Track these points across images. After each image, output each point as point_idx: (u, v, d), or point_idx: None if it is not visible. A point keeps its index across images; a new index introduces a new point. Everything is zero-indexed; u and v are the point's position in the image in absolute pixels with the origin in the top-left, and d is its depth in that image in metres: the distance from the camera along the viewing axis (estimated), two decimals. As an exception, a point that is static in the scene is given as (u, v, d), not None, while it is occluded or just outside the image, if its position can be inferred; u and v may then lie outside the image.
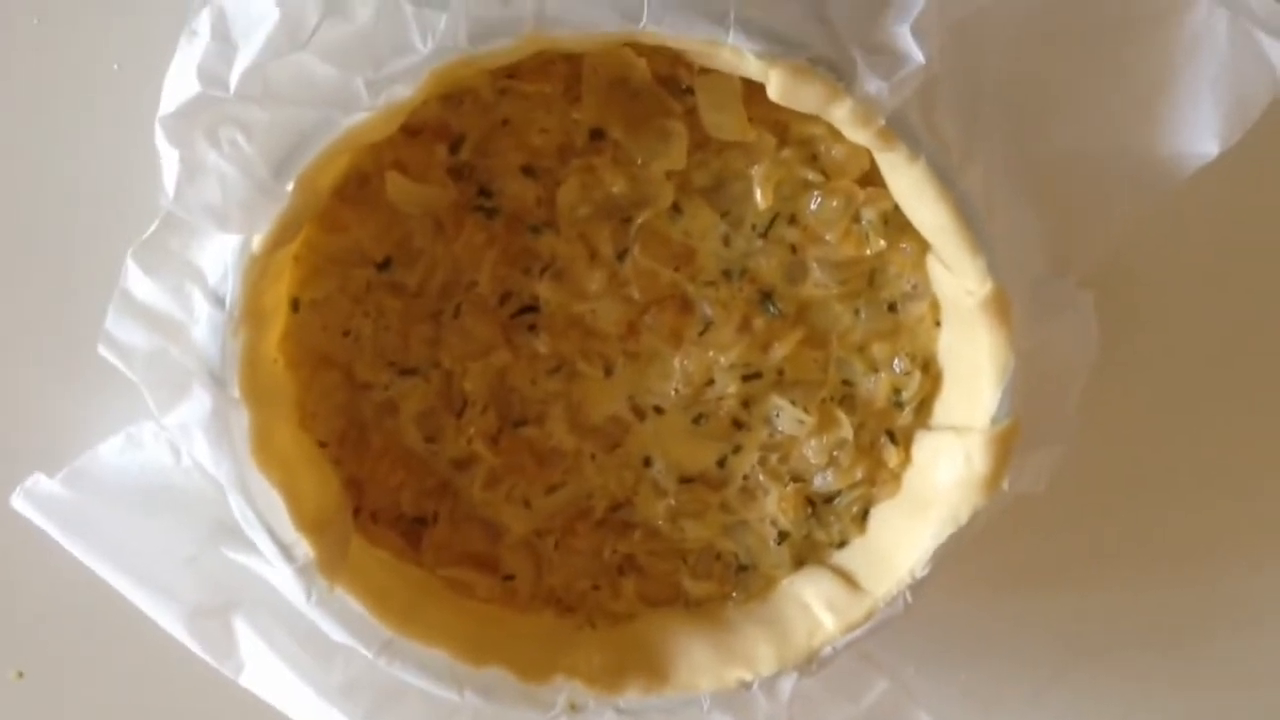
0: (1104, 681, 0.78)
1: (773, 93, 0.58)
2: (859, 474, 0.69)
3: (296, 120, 0.57)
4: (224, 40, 0.55)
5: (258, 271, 0.59)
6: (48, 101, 0.68)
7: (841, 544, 0.70)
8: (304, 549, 0.63)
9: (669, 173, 0.64)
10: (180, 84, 0.57)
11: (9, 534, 0.69)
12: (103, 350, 0.61)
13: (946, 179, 0.58)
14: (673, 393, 0.68)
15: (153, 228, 0.60)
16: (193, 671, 0.68)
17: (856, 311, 0.67)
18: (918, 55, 0.56)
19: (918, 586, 0.66)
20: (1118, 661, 0.78)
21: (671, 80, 0.63)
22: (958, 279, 0.62)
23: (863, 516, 0.70)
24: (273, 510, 0.63)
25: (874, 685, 0.71)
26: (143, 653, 0.72)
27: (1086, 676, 0.78)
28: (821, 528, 0.70)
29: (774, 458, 0.69)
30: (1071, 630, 0.78)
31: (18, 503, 0.67)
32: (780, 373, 0.68)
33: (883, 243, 0.65)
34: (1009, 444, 0.63)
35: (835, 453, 0.69)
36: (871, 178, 0.64)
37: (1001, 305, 0.60)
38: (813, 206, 0.65)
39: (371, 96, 0.56)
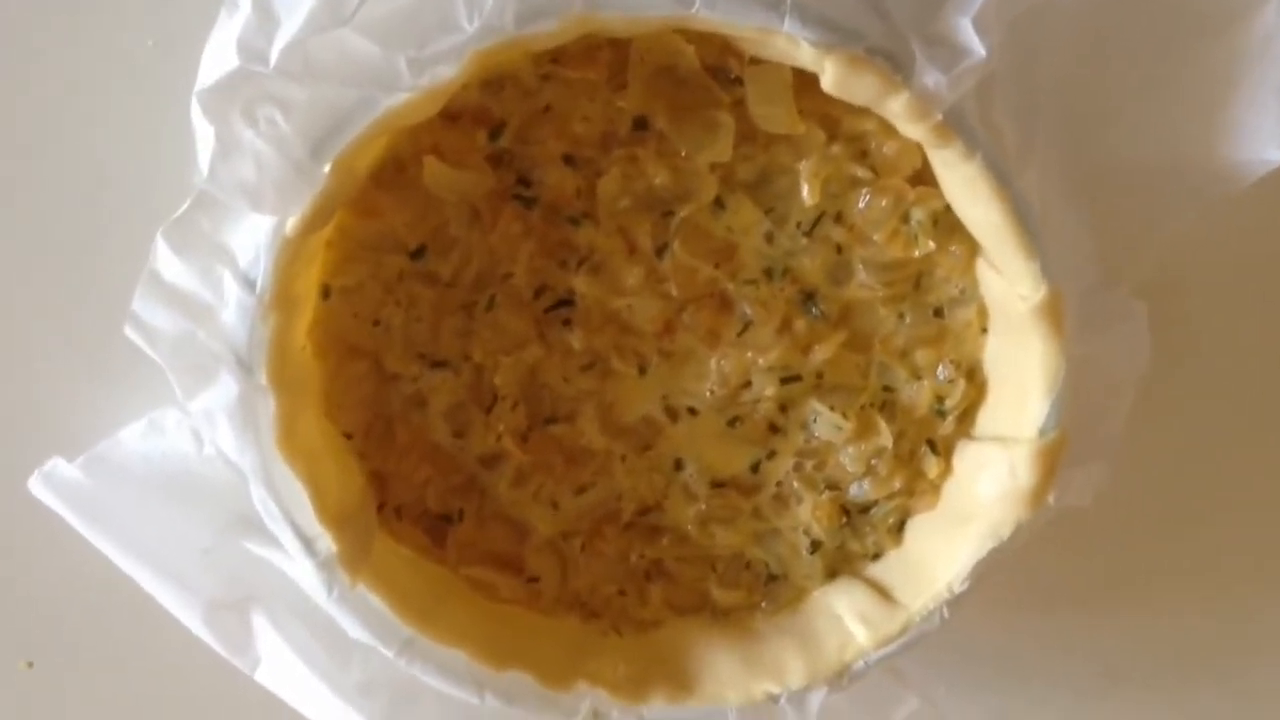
0: (1143, 708, 0.76)
1: (827, 83, 0.56)
2: (897, 484, 0.67)
3: (336, 100, 0.55)
4: (266, 14, 0.54)
5: (290, 255, 0.58)
6: (81, 78, 0.67)
7: (876, 556, 0.68)
8: (326, 543, 0.61)
9: (713, 165, 0.63)
10: (219, 58, 0.55)
11: (24, 519, 0.68)
12: (129, 332, 0.60)
13: (1002, 177, 0.57)
14: (708, 394, 0.66)
15: (184, 206, 0.59)
16: (207, 665, 0.66)
17: (901, 315, 0.65)
18: (979, 49, 0.54)
19: (955, 602, 0.64)
20: (1156, 690, 0.76)
21: (720, 69, 0.61)
22: (1009, 283, 0.60)
23: (899, 528, 0.68)
24: (296, 502, 0.61)
25: (904, 703, 0.69)
26: (156, 645, 0.71)
27: (1124, 703, 0.76)
28: (856, 538, 0.68)
29: (809, 464, 0.67)
30: (1110, 655, 0.75)
31: (35, 487, 0.66)
32: (820, 376, 0.66)
33: (931, 245, 0.63)
34: (1056, 457, 0.61)
35: (873, 461, 0.67)
36: (922, 177, 0.62)
37: (1055, 310, 0.59)
38: (860, 205, 0.63)
39: (413, 76, 0.55)
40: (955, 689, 0.74)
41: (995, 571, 0.63)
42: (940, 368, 0.66)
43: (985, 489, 0.64)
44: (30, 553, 0.72)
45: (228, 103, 0.55)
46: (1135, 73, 0.60)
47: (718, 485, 0.68)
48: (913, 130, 0.57)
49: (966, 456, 0.66)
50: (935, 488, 0.67)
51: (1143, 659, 0.75)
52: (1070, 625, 0.75)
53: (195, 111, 0.56)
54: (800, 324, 0.65)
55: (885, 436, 0.66)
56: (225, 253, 0.59)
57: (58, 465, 0.66)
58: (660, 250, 0.64)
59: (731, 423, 0.67)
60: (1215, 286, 0.71)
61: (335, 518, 0.61)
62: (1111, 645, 0.75)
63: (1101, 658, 0.75)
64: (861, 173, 0.62)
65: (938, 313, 0.65)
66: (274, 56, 0.54)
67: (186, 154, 0.58)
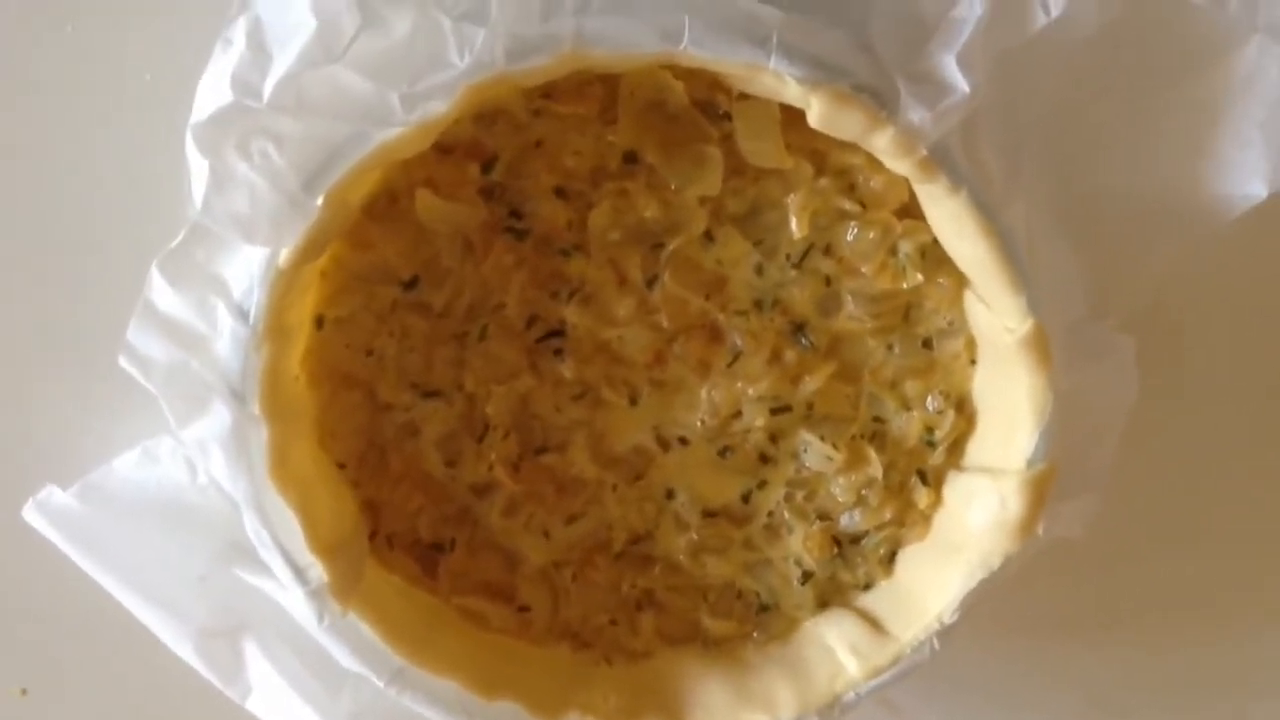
0: (1133, 740, 0.76)
1: (813, 119, 0.57)
2: (887, 514, 0.67)
3: (329, 133, 0.56)
4: (259, 49, 0.55)
5: (283, 286, 0.59)
6: (78, 109, 0.68)
7: (867, 586, 0.68)
8: (318, 572, 0.61)
9: (703, 199, 0.63)
10: (213, 92, 0.56)
11: (18, 547, 0.68)
12: (123, 361, 0.61)
13: (988, 212, 0.57)
14: (699, 424, 0.67)
15: (179, 238, 0.59)
16: (198, 693, 0.66)
17: (890, 347, 0.66)
18: (963, 85, 0.55)
19: (945, 633, 0.64)
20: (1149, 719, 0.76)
21: (709, 105, 0.62)
22: (996, 316, 0.60)
23: (890, 558, 0.68)
24: (288, 531, 0.61)
25: (896, 733, 0.69)
26: (149, 672, 0.71)
27: (1115, 734, 0.76)
28: (847, 568, 0.68)
29: (800, 495, 0.68)
30: (1102, 685, 0.75)
31: (29, 515, 0.66)
32: (810, 407, 0.66)
33: (920, 277, 0.63)
34: (1045, 488, 0.62)
35: (864, 491, 0.67)
36: (910, 210, 0.63)
37: (1041, 344, 0.59)
38: (849, 238, 0.64)
39: (406, 111, 0.55)
40: (946, 719, 0.74)
41: (985, 602, 0.63)
42: (929, 399, 0.66)
43: (975, 520, 0.64)
44: (24, 580, 0.72)
45: (222, 136, 0.56)
46: (1120, 108, 0.61)
47: (709, 515, 0.68)
48: (899, 165, 0.58)
49: (956, 487, 0.66)
50: (926, 518, 0.67)
51: (1132, 689, 0.75)
52: (1061, 655, 0.75)
53: (190, 145, 0.56)
54: (790, 355, 0.65)
55: (875, 467, 0.66)
56: (219, 283, 0.60)
57: (52, 493, 0.66)
58: (651, 282, 0.65)
59: (722, 452, 0.67)
60: (1203, 319, 0.72)
61: (327, 547, 0.62)
62: (1101, 675, 0.75)
63: (1091, 687, 0.75)
64: (849, 206, 0.63)
65: (926, 344, 0.66)
66: (267, 91, 0.55)
67: (181, 186, 0.58)
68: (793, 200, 0.63)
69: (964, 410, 0.66)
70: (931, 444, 0.66)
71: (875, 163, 0.60)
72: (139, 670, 0.72)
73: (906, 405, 0.66)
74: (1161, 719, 0.76)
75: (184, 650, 0.66)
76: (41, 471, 0.67)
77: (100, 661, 0.73)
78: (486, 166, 0.63)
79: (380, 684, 0.63)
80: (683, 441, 0.67)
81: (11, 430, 0.71)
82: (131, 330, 0.60)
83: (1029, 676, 0.75)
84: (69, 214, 0.69)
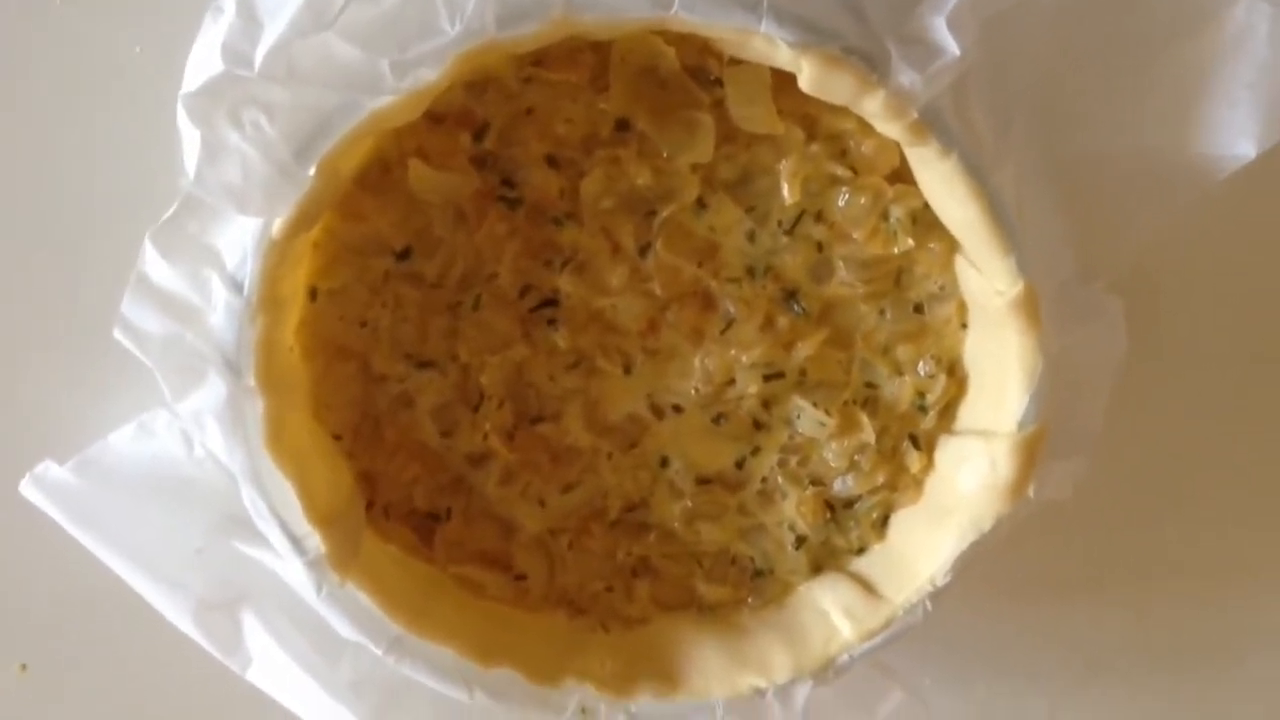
0: (1125, 699, 0.77)
1: (804, 83, 0.57)
2: (880, 479, 0.68)
3: (320, 103, 0.56)
4: (250, 18, 0.55)
5: (277, 257, 0.59)
6: (68, 83, 0.68)
7: (860, 550, 0.69)
8: (315, 542, 0.62)
9: (694, 166, 0.63)
10: (204, 62, 0.56)
11: (16, 524, 0.68)
12: (118, 335, 0.61)
13: (978, 175, 0.57)
14: (692, 391, 0.67)
15: (172, 210, 0.59)
16: (199, 666, 0.67)
17: (882, 312, 0.66)
18: (953, 48, 0.55)
19: (938, 595, 0.65)
20: (1140, 679, 0.77)
21: (700, 71, 0.62)
22: (987, 279, 0.61)
23: (883, 522, 0.69)
24: (285, 503, 0.62)
25: (889, 696, 0.69)
26: (148, 647, 0.71)
27: (1106, 693, 0.77)
28: (840, 533, 0.69)
29: (794, 460, 0.68)
30: (1092, 645, 0.76)
31: (26, 490, 0.66)
32: (802, 373, 0.67)
33: (910, 242, 0.64)
34: (1035, 450, 0.62)
35: (856, 457, 0.67)
36: (900, 175, 0.63)
37: (1031, 305, 0.59)
38: (840, 203, 0.64)
39: (396, 79, 0.55)
40: (940, 681, 0.75)
41: (977, 564, 0.64)
42: (921, 364, 0.66)
43: (966, 483, 0.64)
44: (22, 556, 0.72)
45: (213, 106, 0.56)
46: (1110, 69, 0.61)
47: (703, 481, 0.68)
48: (889, 129, 0.58)
49: (948, 451, 0.67)
50: (918, 482, 0.68)
51: (1123, 649, 0.76)
52: (1053, 616, 0.76)
53: (181, 115, 0.56)
54: (782, 321, 0.66)
55: (868, 432, 0.67)
56: (213, 255, 0.60)
57: (49, 468, 0.66)
58: (643, 250, 0.65)
59: (716, 419, 0.68)
60: (1190, 281, 0.72)
61: (323, 517, 0.62)
62: (1093, 636, 0.76)
63: (1083, 648, 0.76)
64: (841, 171, 0.63)
65: (918, 309, 0.66)
66: (258, 60, 0.55)
67: (174, 157, 0.58)
68: (784, 166, 0.63)
69: (955, 375, 0.66)
70: (923, 408, 0.67)
71: (866, 127, 0.60)
72: (139, 645, 0.73)
73: (898, 370, 0.67)
74: (1152, 679, 0.77)
75: (183, 623, 0.66)
76: (38, 447, 0.67)
77: (99, 637, 0.74)
78: (478, 135, 0.63)
79: (378, 652, 0.64)
80: (677, 409, 0.67)
81: (8, 406, 0.71)
82: (126, 303, 0.60)
83: (1020, 637, 0.76)
84: (61, 188, 0.69)
